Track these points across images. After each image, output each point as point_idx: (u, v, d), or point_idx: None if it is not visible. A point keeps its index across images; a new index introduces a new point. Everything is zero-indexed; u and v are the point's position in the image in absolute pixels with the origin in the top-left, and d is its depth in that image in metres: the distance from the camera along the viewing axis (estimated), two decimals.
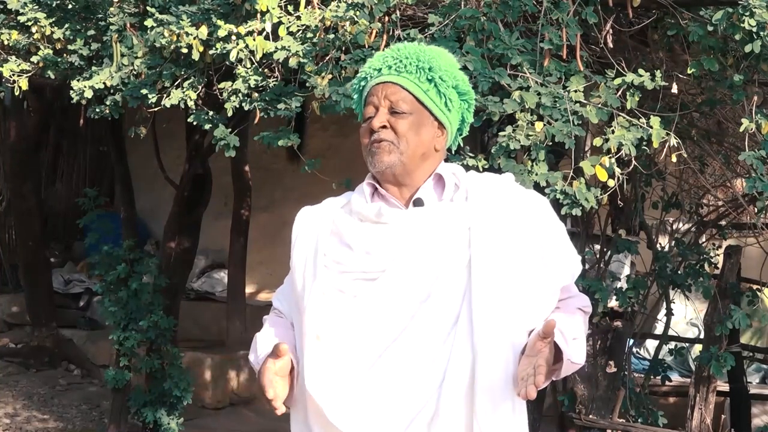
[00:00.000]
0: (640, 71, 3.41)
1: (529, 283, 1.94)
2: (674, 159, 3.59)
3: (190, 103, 4.03)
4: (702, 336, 5.26)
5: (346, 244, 1.99)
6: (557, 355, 1.90)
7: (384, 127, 1.98)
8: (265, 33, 3.77)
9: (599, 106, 3.39)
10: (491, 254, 1.92)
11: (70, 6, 4.60)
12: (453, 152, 2.25)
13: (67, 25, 4.59)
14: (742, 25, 3.19)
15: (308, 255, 2.03)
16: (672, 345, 5.19)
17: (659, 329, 5.57)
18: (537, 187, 3.30)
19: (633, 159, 3.46)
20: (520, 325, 1.92)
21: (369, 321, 1.92)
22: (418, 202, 2.00)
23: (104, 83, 4.22)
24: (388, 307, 1.92)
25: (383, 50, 2.10)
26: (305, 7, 3.81)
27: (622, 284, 4.45)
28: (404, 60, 2.00)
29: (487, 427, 1.87)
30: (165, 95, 4.07)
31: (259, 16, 3.78)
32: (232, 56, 3.78)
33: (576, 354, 1.95)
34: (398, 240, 1.94)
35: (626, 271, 5.43)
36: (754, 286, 4.64)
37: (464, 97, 2.06)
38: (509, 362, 1.90)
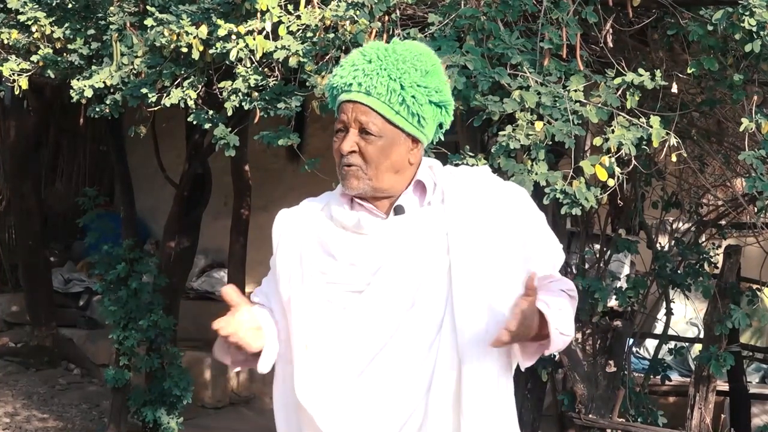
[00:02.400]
0: (640, 71, 3.41)
1: (510, 282, 1.92)
2: (674, 158, 3.59)
3: (190, 103, 4.03)
4: (702, 335, 5.26)
5: (330, 254, 1.97)
6: (543, 325, 1.86)
7: (353, 151, 1.94)
8: (265, 32, 3.77)
9: (599, 105, 3.39)
10: (470, 259, 1.91)
11: (70, 5, 4.60)
12: (434, 144, 2.21)
13: (67, 25, 4.59)
14: (742, 24, 3.20)
15: (293, 263, 2.01)
16: (672, 344, 5.19)
17: (659, 329, 5.57)
18: (537, 186, 3.30)
19: (633, 158, 3.46)
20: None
21: (357, 331, 1.92)
22: (399, 210, 1.97)
23: (104, 82, 4.22)
24: (375, 318, 1.91)
25: (354, 54, 2.01)
26: (305, 7, 3.81)
27: (622, 284, 4.45)
28: (375, 77, 1.92)
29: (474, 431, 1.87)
30: (165, 94, 4.07)
31: (259, 15, 3.79)
32: (232, 55, 3.78)
33: (563, 324, 1.88)
34: (380, 251, 1.93)
35: (626, 270, 5.43)
36: (754, 286, 4.63)
37: (440, 105, 1.98)
38: (494, 365, 1.90)
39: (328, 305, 1.95)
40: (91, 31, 4.55)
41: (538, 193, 3.23)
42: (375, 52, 1.96)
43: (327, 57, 3.65)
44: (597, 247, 4.50)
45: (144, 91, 4.11)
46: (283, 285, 2.02)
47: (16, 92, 4.81)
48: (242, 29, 3.78)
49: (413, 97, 1.93)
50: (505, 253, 1.93)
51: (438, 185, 2.00)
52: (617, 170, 3.38)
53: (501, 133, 3.33)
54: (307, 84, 3.66)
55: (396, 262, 1.92)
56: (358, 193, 1.96)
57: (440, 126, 2.05)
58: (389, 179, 1.96)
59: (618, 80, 3.41)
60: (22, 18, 4.57)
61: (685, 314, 6.65)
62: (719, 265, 4.57)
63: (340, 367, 1.91)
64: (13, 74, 4.70)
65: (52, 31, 4.57)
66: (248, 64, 3.79)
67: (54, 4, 4.57)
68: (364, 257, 1.94)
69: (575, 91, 3.38)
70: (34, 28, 4.57)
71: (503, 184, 2.05)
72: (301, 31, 3.79)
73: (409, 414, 1.88)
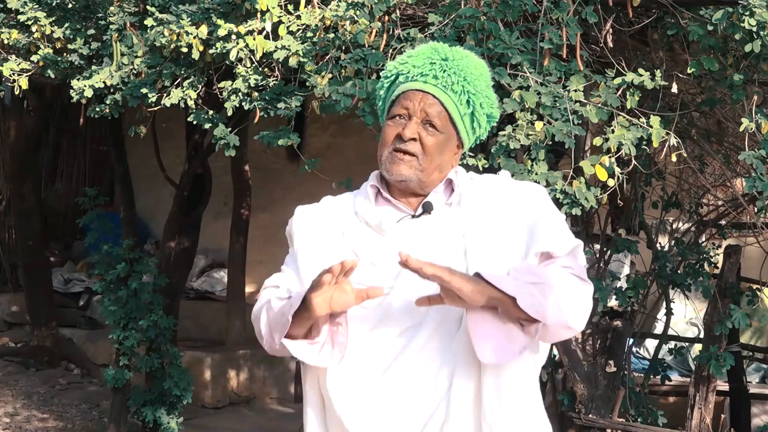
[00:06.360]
0: (640, 71, 3.41)
1: None
2: (674, 158, 3.59)
3: (190, 103, 4.03)
4: (702, 335, 5.26)
5: (354, 251, 1.97)
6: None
7: (413, 139, 1.95)
8: (265, 32, 3.77)
9: (599, 105, 3.39)
10: (486, 261, 1.91)
11: (70, 5, 4.60)
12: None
13: (67, 25, 4.59)
14: (742, 24, 3.20)
15: (319, 258, 1.98)
16: (672, 344, 5.19)
17: (659, 329, 5.57)
18: None
19: (633, 158, 3.46)
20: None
21: (379, 331, 1.92)
22: (428, 206, 1.98)
23: (104, 82, 4.22)
24: (396, 319, 1.91)
25: (426, 49, 2.01)
26: (305, 7, 3.81)
27: (622, 284, 4.45)
28: (452, 76, 1.95)
29: (496, 429, 1.87)
30: (165, 94, 4.07)
31: (259, 15, 3.79)
32: (232, 55, 3.78)
33: (506, 283, 1.81)
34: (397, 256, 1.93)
35: (626, 270, 5.44)
36: (754, 286, 4.63)
37: (491, 120, 2.04)
38: (513, 364, 1.89)
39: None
40: (91, 31, 4.56)
41: None
42: (449, 52, 1.99)
43: (327, 57, 3.65)
44: (597, 247, 4.50)
45: (144, 91, 4.11)
46: (308, 280, 1.97)
47: (16, 92, 4.81)
48: (242, 29, 3.78)
49: (481, 104, 1.98)
50: (520, 254, 1.94)
51: (457, 188, 2.02)
52: (617, 170, 3.38)
53: (501, 133, 3.33)
54: (307, 84, 3.66)
55: None
56: (403, 180, 1.96)
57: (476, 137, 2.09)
58: (434, 176, 1.99)
59: (618, 80, 3.41)
60: (22, 18, 4.57)
61: (685, 314, 6.65)
62: (719, 265, 4.56)
63: (365, 367, 1.91)
64: (13, 74, 4.70)
65: (52, 31, 4.57)
66: (248, 64, 3.79)
67: (54, 4, 4.57)
68: (385, 258, 1.94)
69: (575, 91, 3.38)
70: (34, 28, 4.57)
71: (521, 184, 2.07)
72: (301, 31, 3.79)
73: (432, 413, 1.88)
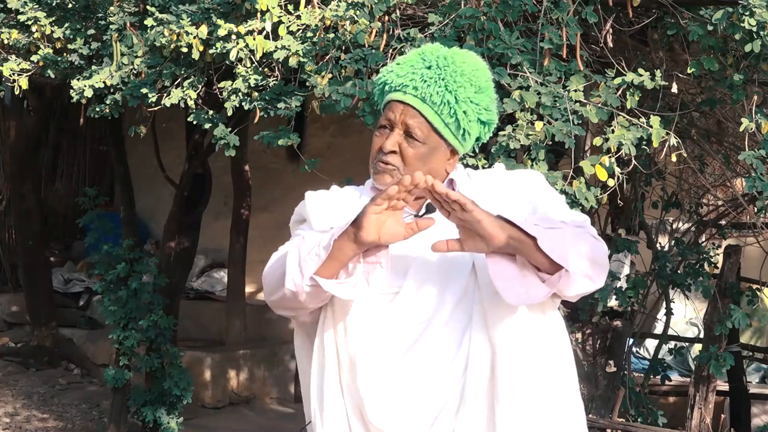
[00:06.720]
0: (640, 71, 3.41)
1: None
2: (674, 158, 3.59)
3: (190, 103, 4.03)
4: (702, 335, 5.26)
5: None
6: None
7: (393, 151, 1.95)
8: (265, 32, 3.77)
9: (599, 105, 3.39)
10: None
11: (70, 5, 4.60)
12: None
13: (67, 25, 4.59)
14: (742, 24, 3.20)
15: None
16: (672, 344, 5.19)
17: (659, 329, 5.58)
18: None
19: (633, 158, 3.46)
20: (532, 310, 1.91)
21: (387, 332, 1.92)
22: (431, 206, 1.97)
23: (104, 82, 4.22)
24: (405, 318, 1.92)
25: (413, 56, 2.00)
26: (305, 7, 3.81)
27: (622, 284, 4.45)
28: (432, 86, 1.93)
29: (509, 414, 1.87)
30: (165, 94, 4.07)
31: (259, 15, 3.79)
32: (232, 55, 3.78)
33: (543, 223, 1.83)
34: (406, 253, 1.93)
35: (626, 270, 5.44)
36: (754, 286, 4.63)
37: (486, 123, 2.02)
38: (526, 351, 1.90)
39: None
40: (91, 31, 4.56)
41: None
42: (435, 59, 1.97)
43: (327, 57, 3.65)
44: None
45: (144, 91, 4.11)
46: None
47: (16, 92, 4.81)
48: (242, 29, 3.78)
49: (464, 112, 1.95)
50: None
51: (456, 187, 2.02)
52: (617, 170, 3.38)
53: (501, 133, 3.33)
54: (307, 84, 3.66)
55: (423, 264, 1.93)
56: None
57: (477, 139, 2.07)
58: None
59: (618, 80, 3.41)
60: (22, 18, 4.57)
61: (685, 314, 6.65)
62: (719, 265, 4.57)
63: (380, 358, 1.91)
64: (13, 74, 4.70)
65: (52, 31, 4.57)
66: (248, 64, 3.79)
67: (54, 4, 4.56)
68: (392, 258, 1.92)
69: (575, 91, 3.38)
70: (34, 28, 4.57)
71: (516, 172, 2.08)
72: (301, 31, 3.79)
73: (445, 401, 1.89)
